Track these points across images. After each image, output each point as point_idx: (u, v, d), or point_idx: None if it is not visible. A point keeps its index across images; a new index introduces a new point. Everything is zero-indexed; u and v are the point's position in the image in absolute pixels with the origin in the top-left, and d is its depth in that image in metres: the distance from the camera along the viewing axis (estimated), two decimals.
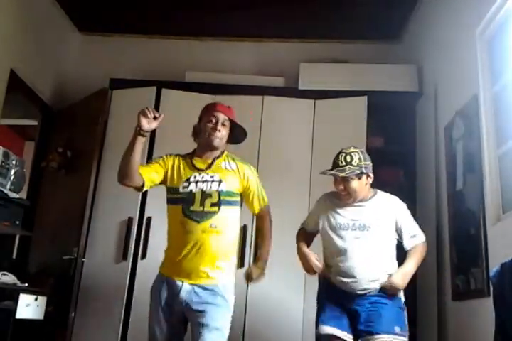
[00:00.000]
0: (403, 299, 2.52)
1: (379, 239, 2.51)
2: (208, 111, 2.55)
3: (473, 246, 2.78)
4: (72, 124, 4.08)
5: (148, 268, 3.52)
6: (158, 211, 3.60)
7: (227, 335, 2.33)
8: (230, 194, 2.45)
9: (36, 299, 3.09)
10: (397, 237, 2.58)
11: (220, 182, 2.44)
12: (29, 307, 3.03)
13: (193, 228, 2.36)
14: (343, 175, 2.48)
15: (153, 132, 3.85)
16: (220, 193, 2.42)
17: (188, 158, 2.53)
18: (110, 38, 4.68)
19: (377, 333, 2.35)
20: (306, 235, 2.75)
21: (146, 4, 4.27)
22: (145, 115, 2.39)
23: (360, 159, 2.53)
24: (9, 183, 3.39)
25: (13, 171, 3.42)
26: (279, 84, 4.16)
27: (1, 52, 3.58)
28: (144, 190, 2.47)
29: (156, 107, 3.92)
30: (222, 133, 2.49)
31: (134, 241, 3.63)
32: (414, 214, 3.52)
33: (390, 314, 2.42)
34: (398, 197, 2.68)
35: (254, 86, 4.05)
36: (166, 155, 2.54)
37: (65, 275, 3.52)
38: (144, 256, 3.59)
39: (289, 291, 3.48)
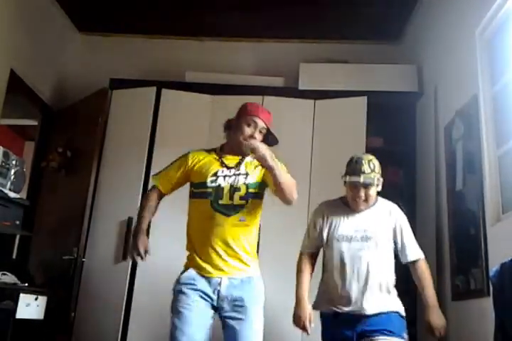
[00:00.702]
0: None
1: (382, 250, 2.49)
2: (250, 113, 2.49)
3: (473, 246, 2.78)
4: (72, 124, 4.09)
5: (149, 268, 3.53)
6: (158, 211, 3.61)
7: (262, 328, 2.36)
8: (256, 186, 2.45)
9: (36, 299, 3.09)
10: (398, 248, 2.55)
11: (246, 174, 2.45)
12: (29, 307, 3.03)
13: (223, 222, 2.37)
14: (376, 182, 2.47)
15: (153, 132, 3.87)
16: (247, 186, 2.43)
17: (216, 154, 2.52)
18: (110, 38, 4.68)
19: (391, 332, 2.37)
20: (308, 263, 2.67)
21: (146, 4, 4.27)
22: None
23: (379, 167, 2.54)
24: (9, 183, 3.39)
25: (13, 171, 3.42)
26: (279, 85, 4.16)
27: (1, 52, 3.58)
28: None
29: (156, 107, 3.93)
30: (257, 139, 2.46)
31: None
32: (413, 214, 3.55)
33: (398, 321, 2.45)
34: (398, 197, 2.69)
35: (254, 86, 4.05)
36: (187, 156, 2.51)
37: (65, 276, 3.53)
38: None
39: (288, 292, 3.47)
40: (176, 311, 2.31)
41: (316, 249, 2.67)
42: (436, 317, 2.46)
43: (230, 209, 2.38)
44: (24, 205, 3.50)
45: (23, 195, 3.87)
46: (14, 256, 3.93)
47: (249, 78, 4.20)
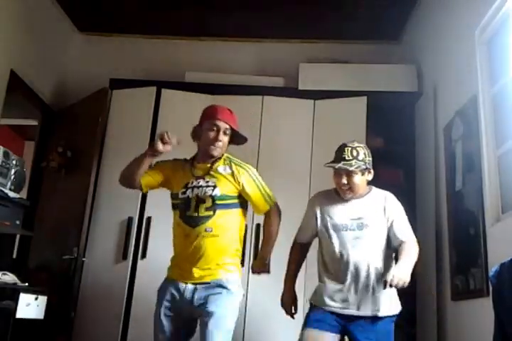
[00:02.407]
0: (397, 312, 2.45)
1: (379, 238, 2.46)
2: (210, 118, 2.54)
3: (472, 246, 2.78)
4: (72, 124, 4.09)
5: (148, 268, 3.54)
6: (158, 211, 3.62)
7: (232, 323, 2.37)
8: (225, 198, 2.47)
9: (36, 299, 3.09)
10: (389, 232, 2.46)
11: (214, 187, 2.47)
12: (29, 306, 3.03)
13: (190, 232, 2.44)
14: (353, 169, 2.43)
15: (153, 132, 3.87)
16: (213, 198, 2.45)
17: (189, 164, 2.58)
18: (110, 37, 4.69)
19: None
20: (300, 251, 2.68)
21: (146, 4, 4.27)
22: (163, 139, 2.43)
23: (365, 154, 2.50)
24: (9, 183, 3.39)
25: (13, 171, 3.42)
26: (279, 85, 4.17)
27: (1, 52, 3.58)
28: (144, 191, 2.65)
29: (156, 107, 3.93)
30: (223, 142, 2.51)
31: (134, 241, 3.64)
32: (413, 214, 3.54)
33: (388, 330, 2.40)
34: (398, 197, 2.64)
35: (254, 86, 4.06)
36: (173, 161, 2.62)
37: (65, 275, 3.53)
38: (143, 255, 3.59)
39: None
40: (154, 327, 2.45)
41: (308, 240, 2.66)
42: (399, 270, 2.26)
43: (196, 220, 2.43)
44: (24, 205, 3.50)
45: (23, 194, 3.87)
46: (14, 256, 3.94)
47: (249, 78, 4.20)
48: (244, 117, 3.52)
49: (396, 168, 3.95)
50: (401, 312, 2.47)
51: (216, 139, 2.48)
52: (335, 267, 2.49)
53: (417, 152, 3.91)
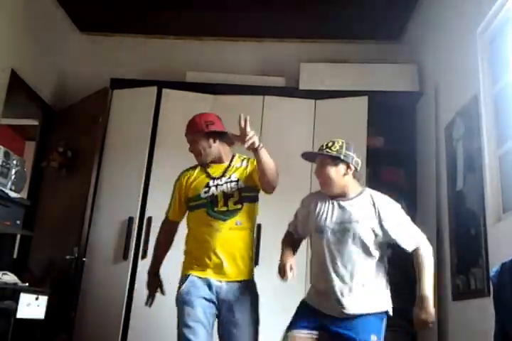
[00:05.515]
0: (388, 309, 2.34)
1: (365, 243, 2.30)
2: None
3: (473, 246, 2.78)
4: (73, 124, 4.09)
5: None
6: (158, 211, 3.60)
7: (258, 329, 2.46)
8: (249, 190, 2.54)
9: (37, 299, 3.09)
10: (392, 241, 2.34)
11: (238, 181, 2.54)
12: (30, 306, 3.02)
13: (220, 226, 2.47)
14: (316, 152, 2.41)
15: (153, 132, 3.87)
16: (240, 191, 2.52)
17: (203, 167, 2.63)
18: (110, 37, 4.69)
19: (354, 339, 2.23)
20: (291, 240, 2.53)
21: (146, 4, 4.27)
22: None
23: (341, 147, 2.37)
24: (10, 183, 3.38)
25: (13, 171, 3.41)
26: (280, 84, 4.16)
27: (1, 52, 3.58)
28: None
29: (157, 107, 3.93)
30: (197, 150, 2.60)
31: (134, 241, 3.64)
32: (414, 214, 3.54)
33: (368, 322, 2.28)
34: (398, 197, 2.61)
35: (255, 86, 4.06)
36: (180, 178, 2.65)
37: (65, 275, 3.53)
38: (144, 256, 3.59)
39: (287, 292, 3.46)
40: (184, 324, 2.35)
41: (297, 235, 2.55)
42: (420, 310, 2.20)
43: (226, 215, 2.48)
44: (25, 205, 3.49)
45: (24, 194, 3.87)
46: (15, 256, 3.93)
47: (250, 78, 4.20)
48: None
49: (397, 168, 3.94)
50: (402, 312, 2.46)
51: (192, 152, 2.62)
52: (319, 270, 2.38)
53: (418, 152, 3.91)
